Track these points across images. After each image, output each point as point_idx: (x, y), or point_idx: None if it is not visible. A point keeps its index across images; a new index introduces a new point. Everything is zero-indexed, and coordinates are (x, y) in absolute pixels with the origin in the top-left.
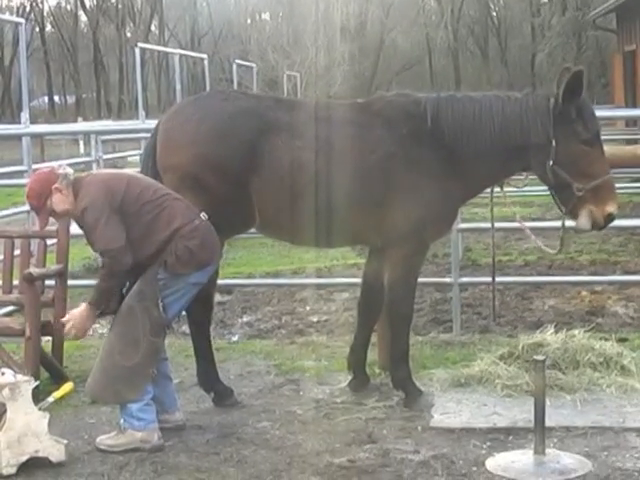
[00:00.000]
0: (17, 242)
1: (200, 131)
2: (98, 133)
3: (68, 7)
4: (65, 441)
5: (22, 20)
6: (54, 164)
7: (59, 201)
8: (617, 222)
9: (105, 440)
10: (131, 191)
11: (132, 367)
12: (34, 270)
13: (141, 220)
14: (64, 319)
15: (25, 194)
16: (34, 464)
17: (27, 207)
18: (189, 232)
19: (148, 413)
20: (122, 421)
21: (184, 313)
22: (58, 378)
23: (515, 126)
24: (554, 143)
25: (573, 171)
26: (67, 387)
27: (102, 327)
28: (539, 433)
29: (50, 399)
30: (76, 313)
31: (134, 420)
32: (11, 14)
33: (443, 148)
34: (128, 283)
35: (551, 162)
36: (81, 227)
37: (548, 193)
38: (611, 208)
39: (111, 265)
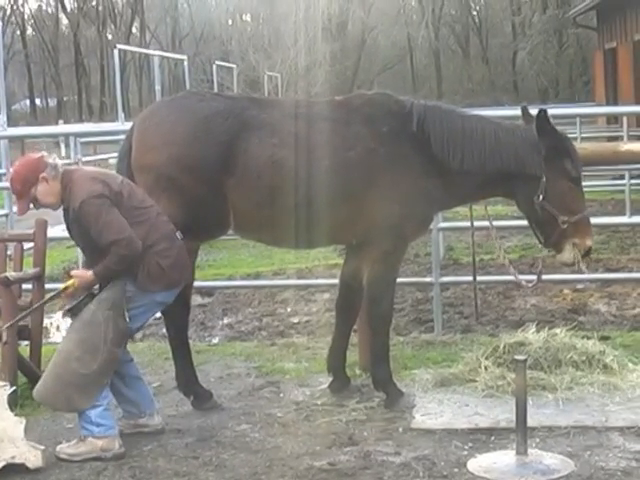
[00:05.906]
0: None
1: (176, 132)
2: (76, 135)
3: (49, 10)
4: (42, 447)
5: None
6: (43, 153)
7: (45, 192)
8: (599, 219)
9: (65, 449)
10: (124, 190)
11: (88, 375)
12: (11, 274)
13: None
14: (72, 272)
15: (10, 177)
16: (11, 470)
17: (5, 211)
18: (163, 250)
19: (107, 419)
20: (82, 429)
21: (160, 315)
22: (36, 383)
23: (509, 154)
24: (544, 179)
25: (559, 206)
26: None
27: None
28: (521, 433)
29: None
30: (83, 274)
31: (93, 426)
32: None
33: (426, 150)
34: None
35: (541, 197)
36: (74, 223)
37: None
38: (590, 242)
39: (124, 252)
